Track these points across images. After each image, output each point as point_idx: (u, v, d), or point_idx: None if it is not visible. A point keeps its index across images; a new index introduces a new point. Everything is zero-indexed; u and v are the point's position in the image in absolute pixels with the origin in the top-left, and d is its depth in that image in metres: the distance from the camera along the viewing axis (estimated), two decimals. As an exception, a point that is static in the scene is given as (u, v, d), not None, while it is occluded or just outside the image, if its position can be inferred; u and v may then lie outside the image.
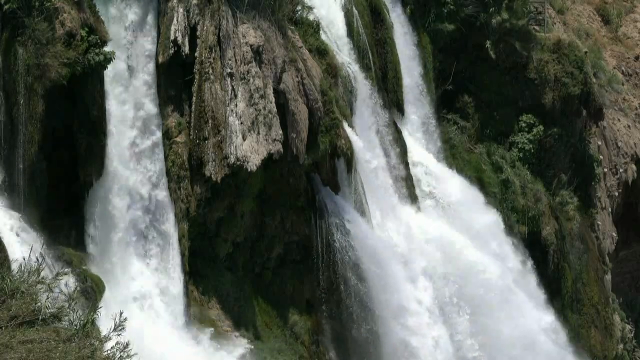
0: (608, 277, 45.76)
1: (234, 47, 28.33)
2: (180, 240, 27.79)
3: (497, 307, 36.29)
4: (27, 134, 24.40)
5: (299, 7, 31.87)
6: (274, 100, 28.84)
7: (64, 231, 25.81)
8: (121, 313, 13.31)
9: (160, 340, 25.94)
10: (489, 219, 38.73)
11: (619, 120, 48.60)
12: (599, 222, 45.27)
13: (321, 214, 31.26)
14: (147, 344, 23.66)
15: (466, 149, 40.83)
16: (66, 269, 22.69)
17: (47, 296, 13.53)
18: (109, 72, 26.00)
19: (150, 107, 27.63)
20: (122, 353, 13.09)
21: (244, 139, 28.09)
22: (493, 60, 41.34)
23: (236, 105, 28.19)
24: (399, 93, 37.34)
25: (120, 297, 26.07)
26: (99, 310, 15.76)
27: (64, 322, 13.43)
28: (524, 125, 41.91)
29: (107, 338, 13.26)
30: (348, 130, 32.07)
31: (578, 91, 42.29)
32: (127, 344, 12.90)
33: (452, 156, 39.86)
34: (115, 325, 13.18)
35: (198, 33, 27.95)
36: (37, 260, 13.95)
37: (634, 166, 48.33)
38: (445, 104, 40.85)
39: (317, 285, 31.45)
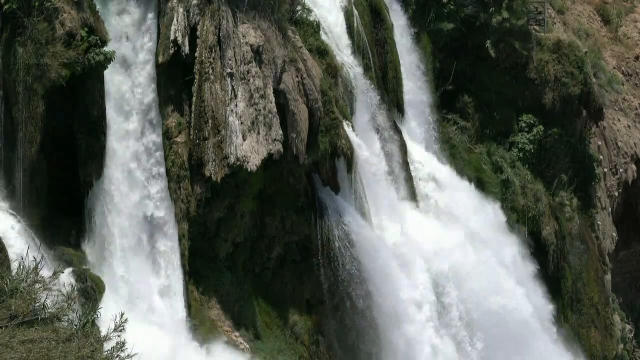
0: (608, 277, 45.75)
1: (234, 47, 28.33)
2: (180, 240, 27.78)
3: (498, 309, 36.31)
4: (27, 134, 24.40)
5: (298, 8, 31.87)
6: (274, 100, 28.85)
7: (64, 231, 25.81)
8: (122, 314, 13.31)
9: (159, 339, 25.93)
10: (489, 218, 38.74)
11: (619, 120, 48.59)
12: (599, 222, 45.26)
13: (321, 214, 31.25)
14: (147, 343, 23.63)
15: (466, 149, 40.83)
16: (64, 268, 22.68)
17: (46, 295, 13.54)
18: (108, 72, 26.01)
19: (149, 107, 27.62)
20: (121, 353, 13.09)
21: (244, 139, 28.10)
22: (493, 60, 41.32)
23: (236, 105, 28.20)
24: (399, 93, 37.34)
25: (119, 296, 26.06)
26: (99, 310, 15.76)
27: (63, 322, 13.43)
28: (524, 125, 41.91)
29: (107, 338, 13.25)
30: (348, 130, 32.08)
31: (578, 91, 42.28)
32: (124, 343, 12.90)
33: (452, 156, 39.85)
34: (115, 326, 13.18)
35: (198, 33, 27.95)
36: (35, 259, 13.96)
37: (634, 166, 48.32)
38: (445, 104, 40.84)
39: (317, 285, 31.44)
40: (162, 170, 27.72)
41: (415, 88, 38.91)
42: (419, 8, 39.29)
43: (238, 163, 27.87)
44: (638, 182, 48.73)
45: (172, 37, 27.43)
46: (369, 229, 32.55)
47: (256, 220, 30.53)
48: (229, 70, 28.19)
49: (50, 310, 13.28)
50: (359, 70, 34.52)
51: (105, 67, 25.46)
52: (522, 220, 40.68)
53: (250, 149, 28.11)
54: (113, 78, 26.61)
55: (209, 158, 27.80)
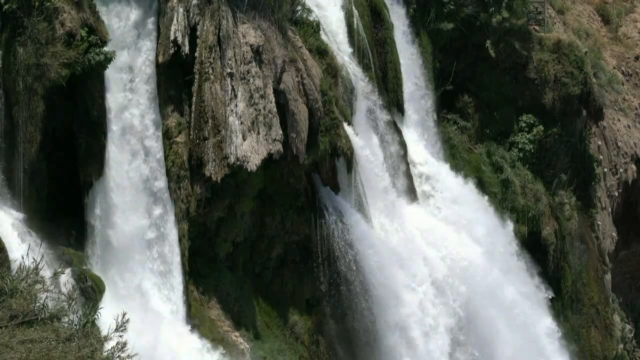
0: (608, 277, 45.77)
1: (234, 47, 28.33)
2: (180, 240, 27.77)
3: (497, 308, 36.32)
4: (27, 134, 24.39)
5: (298, 8, 31.86)
6: (274, 100, 28.84)
7: (64, 231, 25.80)
8: (124, 314, 13.29)
9: (160, 339, 25.92)
10: (488, 217, 38.75)
11: (619, 120, 48.61)
12: (599, 222, 45.28)
13: (321, 214, 31.25)
14: (147, 343, 23.64)
15: (466, 149, 40.83)
16: (64, 268, 22.67)
17: (47, 296, 13.52)
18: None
19: (149, 107, 27.61)
20: (121, 353, 13.08)
21: (244, 139, 28.09)
22: (493, 60, 41.34)
23: (236, 105, 28.19)
24: (399, 93, 37.33)
25: (119, 296, 26.05)
26: (99, 310, 15.74)
27: (63, 322, 13.42)
28: (524, 125, 41.92)
29: (108, 338, 13.24)
30: (348, 130, 32.07)
31: (578, 91, 42.28)
32: (125, 343, 12.89)
33: (452, 156, 39.85)
34: (117, 326, 13.16)
35: (198, 33, 27.94)
36: (35, 260, 13.94)
37: (634, 166, 48.34)
38: (445, 104, 40.84)
39: (317, 285, 31.45)
40: (162, 170, 27.73)
41: (415, 88, 38.90)
42: (419, 8, 39.29)
43: (238, 163, 27.86)
44: (638, 182, 48.76)
45: (172, 37, 27.42)
46: (369, 228, 32.54)
47: (256, 220, 30.52)
48: (229, 70, 28.19)
49: (50, 310, 13.27)
50: (359, 70, 34.52)
51: (105, 67, 25.44)
52: (522, 220, 40.68)
53: (250, 149, 28.11)
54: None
55: (209, 158, 27.79)
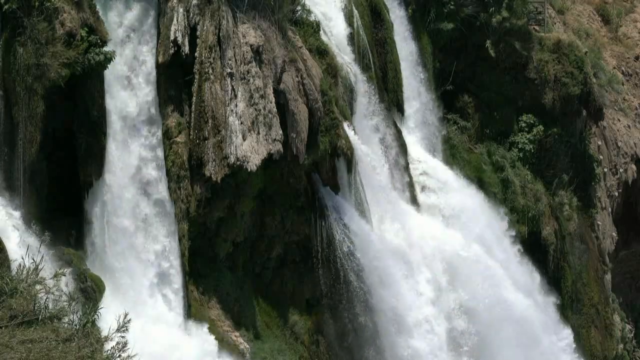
0: (608, 277, 45.77)
1: (234, 47, 28.33)
2: (180, 240, 27.77)
3: (497, 306, 36.32)
4: (27, 134, 24.39)
5: (298, 8, 31.87)
6: (274, 100, 28.85)
7: (64, 231, 25.80)
8: (126, 314, 13.28)
9: (159, 339, 25.93)
10: (488, 218, 38.75)
11: (619, 120, 48.60)
12: (599, 222, 45.27)
13: (321, 214, 31.25)
14: (147, 343, 23.63)
15: (466, 149, 40.83)
16: (64, 269, 22.65)
17: (47, 297, 13.52)
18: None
19: (150, 107, 27.61)
20: (122, 353, 13.08)
21: (244, 139, 28.09)
22: (493, 60, 41.33)
23: (236, 105, 28.19)
24: (399, 93, 37.33)
25: (119, 296, 26.04)
26: (99, 310, 15.74)
27: (63, 322, 13.41)
28: (524, 125, 41.91)
29: (109, 338, 13.24)
30: (348, 130, 32.07)
31: (578, 91, 42.27)
32: (126, 343, 12.89)
33: (452, 156, 39.85)
34: (118, 327, 13.16)
35: (198, 33, 27.94)
36: (34, 260, 13.93)
37: (634, 166, 48.33)
38: (445, 104, 40.84)
39: (317, 285, 31.45)
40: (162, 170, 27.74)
41: (415, 88, 38.90)
42: (419, 8, 39.28)
43: (238, 163, 27.87)
44: (638, 182, 48.75)
45: (172, 37, 27.43)
46: (369, 228, 32.54)
47: (256, 220, 30.53)
48: (229, 70, 28.19)
49: (50, 311, 13.26)
50: (358, 70, 34.52)
51: (105, 67, 25.44)
52: (522, 220, 40.68)
53: (250, 149, 28.11)
54: None
55: (209, 158, 27.79)
